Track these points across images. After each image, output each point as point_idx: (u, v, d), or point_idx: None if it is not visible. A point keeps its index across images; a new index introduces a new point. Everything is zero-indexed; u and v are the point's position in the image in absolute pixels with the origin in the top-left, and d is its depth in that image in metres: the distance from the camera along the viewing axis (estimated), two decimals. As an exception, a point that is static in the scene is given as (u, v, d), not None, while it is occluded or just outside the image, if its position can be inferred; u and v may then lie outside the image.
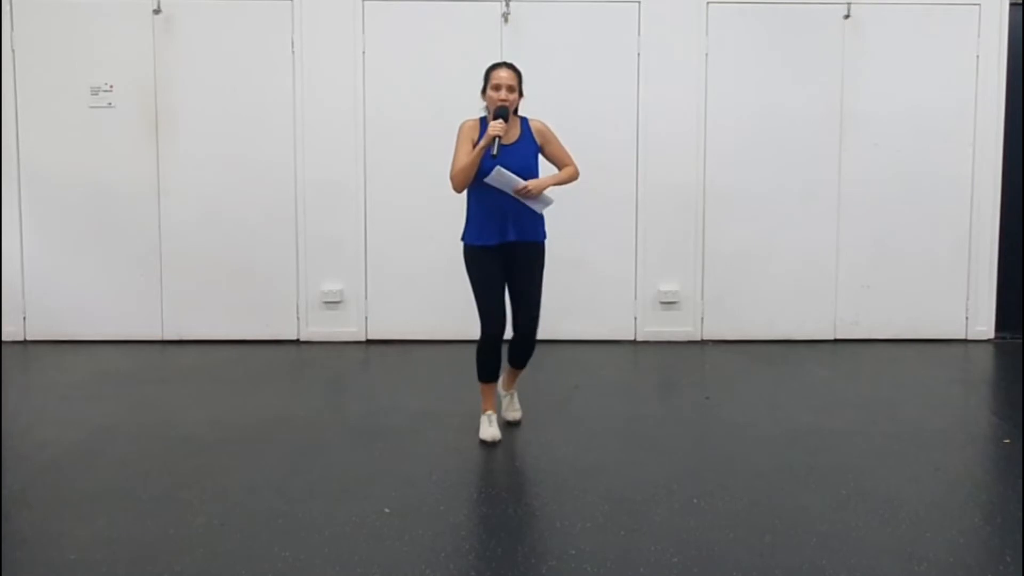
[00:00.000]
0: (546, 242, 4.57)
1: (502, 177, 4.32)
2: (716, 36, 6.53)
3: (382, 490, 3.97)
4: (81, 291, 6.60)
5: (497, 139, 4.29)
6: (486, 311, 4.48)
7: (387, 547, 3.45)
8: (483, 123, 4.47)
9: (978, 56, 6.57)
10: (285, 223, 6.60)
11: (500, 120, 4.32)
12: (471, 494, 3.92)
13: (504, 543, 3.51)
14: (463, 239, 4.54)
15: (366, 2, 6.48)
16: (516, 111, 4.50)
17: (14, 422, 4.86)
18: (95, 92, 6.49)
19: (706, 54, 6.53)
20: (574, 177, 4.58)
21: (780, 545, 3.45)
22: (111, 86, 6.49)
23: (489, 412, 4.63)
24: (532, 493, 4.03)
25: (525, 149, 4.47)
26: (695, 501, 3.85)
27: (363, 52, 6.50)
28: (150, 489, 4.01)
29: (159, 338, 6.65)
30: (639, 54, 6.52)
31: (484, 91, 4.48)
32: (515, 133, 4.48)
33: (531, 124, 4.53)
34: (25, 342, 6.63)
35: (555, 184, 4.49)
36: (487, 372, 4.60)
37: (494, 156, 4.32)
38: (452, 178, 4.45)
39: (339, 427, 4.88)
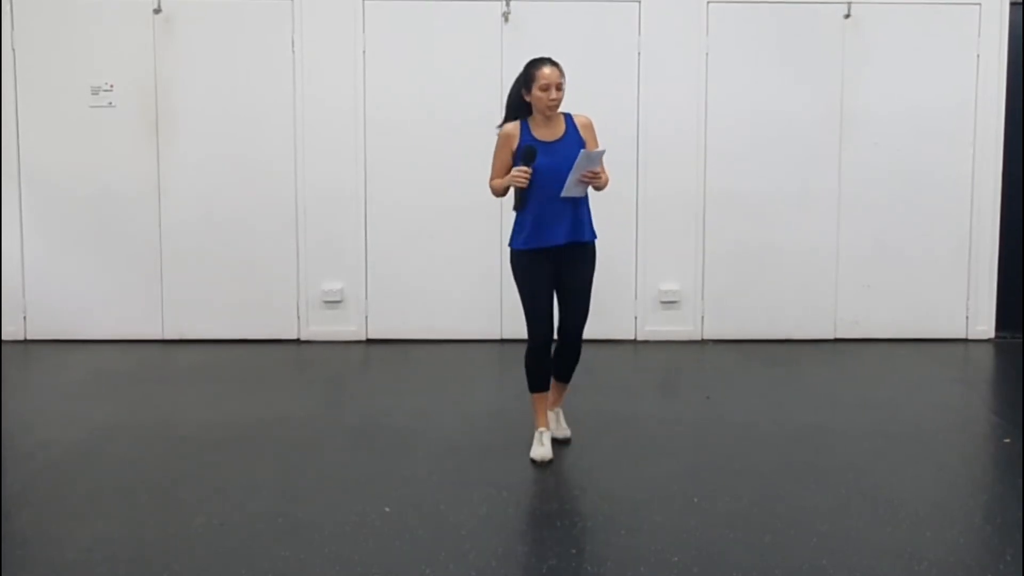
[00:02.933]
0: (596, 243, 4.38)
1: (588, 160, 4.09)
2: (716, 36, 6.53)
3: (382, 490, 3.97)
4: (81, 291, 6.59)
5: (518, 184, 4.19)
6: (532, 317, 4.29)
7: (387, 547, 3.45)
8: (524, 125, 4.26)
9: (978, 56, 6.57)
10: (285, 223, 6.60)
11: (525, 169, 4.14)
12: (471, 494, 3.92)
13: (504, 543, 3.51)
14: (510, 244, 4.32)
15: (366, 2, 6.47)
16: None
17: (14, 422, 4.86)
18: (95, 92, 6.48)
19: (706, 54, 6.53)
20: (602, 186, 4.26)
21: (780, 545, 3.46)
22: (111, 86, 6.48)
23: (541, 429, 4.37)
24: (532, 493, 4.03)
25: (569, 147, 4.19)
26: (695, 501, 3.85)
27: (363, 52, 6.50)
28: (150, 489, 4.01)
29: (159, 338, 6.65)
30: (639, 54, 6.52)
31: (529, 89, 4.20)
32: (559, 130, 4.26)
33: (576, 120, 4.30)
34: (25, 342, 6.62)
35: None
36: (537, 381, 4.37)
37: (516, 209, 4.26)
38: (490, 188, 4.36)
39: (339, 427, 4.88)
